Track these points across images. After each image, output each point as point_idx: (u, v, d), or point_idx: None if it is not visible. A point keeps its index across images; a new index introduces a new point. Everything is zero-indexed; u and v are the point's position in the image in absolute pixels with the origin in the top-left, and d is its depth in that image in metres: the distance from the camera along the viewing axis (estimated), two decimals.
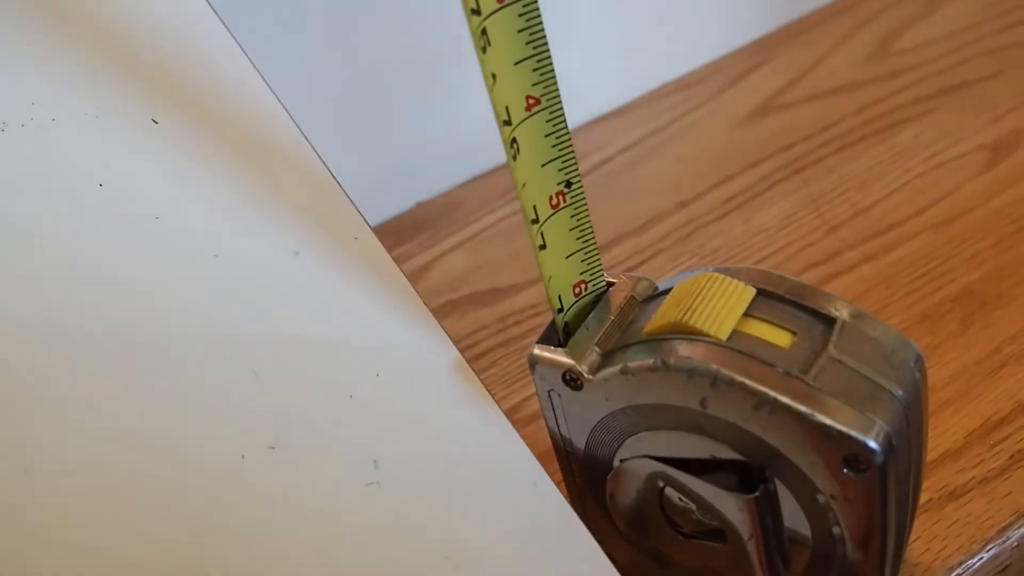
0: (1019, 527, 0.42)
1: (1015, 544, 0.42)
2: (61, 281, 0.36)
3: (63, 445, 0.34)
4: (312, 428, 0.36)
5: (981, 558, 0.42)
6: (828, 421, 0.31)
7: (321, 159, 0.38)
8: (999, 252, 0.54)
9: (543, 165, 0.34)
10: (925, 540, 0.42)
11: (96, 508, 0.34)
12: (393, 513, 0.36)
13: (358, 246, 0.38)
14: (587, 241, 0.36)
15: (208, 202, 0.37)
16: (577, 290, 0.36)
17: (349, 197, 0.38)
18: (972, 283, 0.53)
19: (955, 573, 0.41)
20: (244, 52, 0.39)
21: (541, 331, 0.37)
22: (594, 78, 0.70)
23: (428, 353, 0.37)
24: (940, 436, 0.46)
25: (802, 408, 0.32)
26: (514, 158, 0.33)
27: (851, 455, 0.32)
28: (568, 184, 0.35)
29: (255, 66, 0.39)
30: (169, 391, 0.35)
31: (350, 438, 0.36)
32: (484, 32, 0.30)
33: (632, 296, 0.37)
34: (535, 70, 0.32)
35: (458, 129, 0.67)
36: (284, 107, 0.39)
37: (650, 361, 0.34)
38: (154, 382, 0.35)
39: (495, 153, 0.68)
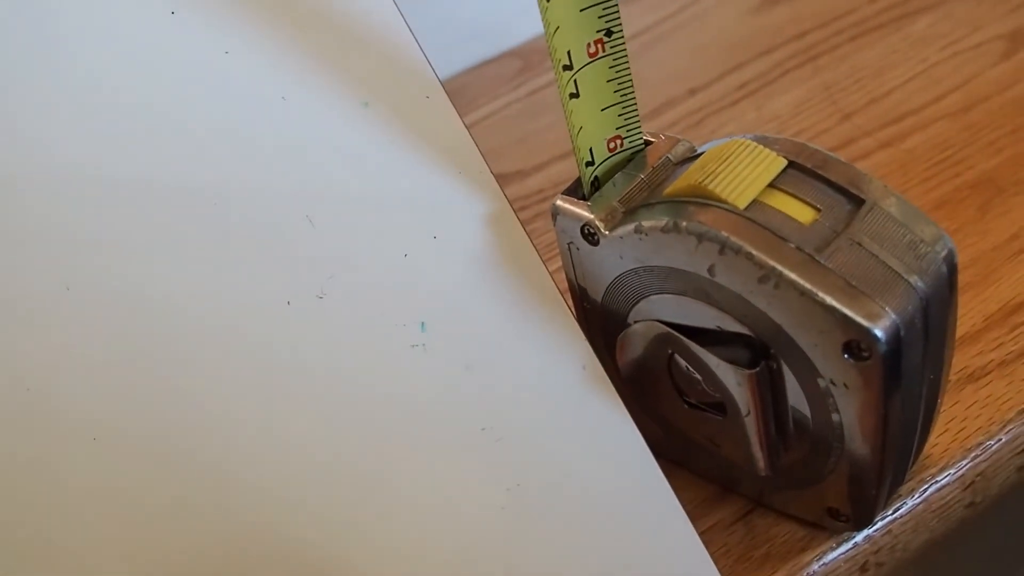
0: None
1: None
2: (117, 118, 0.35)
3: (102, 286, 0.34)
4: (363, 282, 0.35)
5: (1000, 439, 0.41)
6: (831, 302, 0.31)
7: (401, 14, 0.37)
8: (1017, 140, 0.53)
9: (582, 10, 0.32)
10: (944, 421, 0.42)
11: (137, 341, 0.34)
12: (434, 378, 0.35)
13: (429, 105, 0.37)
14: (625, 95, 0.35)
15: (281, 41, 0.36)
16: (612, 145, 0.35)
17: (426, 56, 0.37)
18: (990, 170, 0.52)
19: (974, 454, 0.41)
20: None
21: (547, 217, 0.36)
22: None
23: (490, 224, 0.37)
24: (959, 320, 0.45)
25: (806, 285, 0.31)
26: None
27: (853, 341, 0.31)
28: (609, 33, 0.33)
29: None
30: (220, 230, 0.35)
31: (400, 297, 0.36)
32: None
33: (668, 157, 0.36)
34: None
35: (458, 15, 0.66)
36: None
37: (663, 222, 0.33)
38: (205, 220, 0.35)
39: (496, 40, 0.67)
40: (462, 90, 0.65)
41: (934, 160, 0.53)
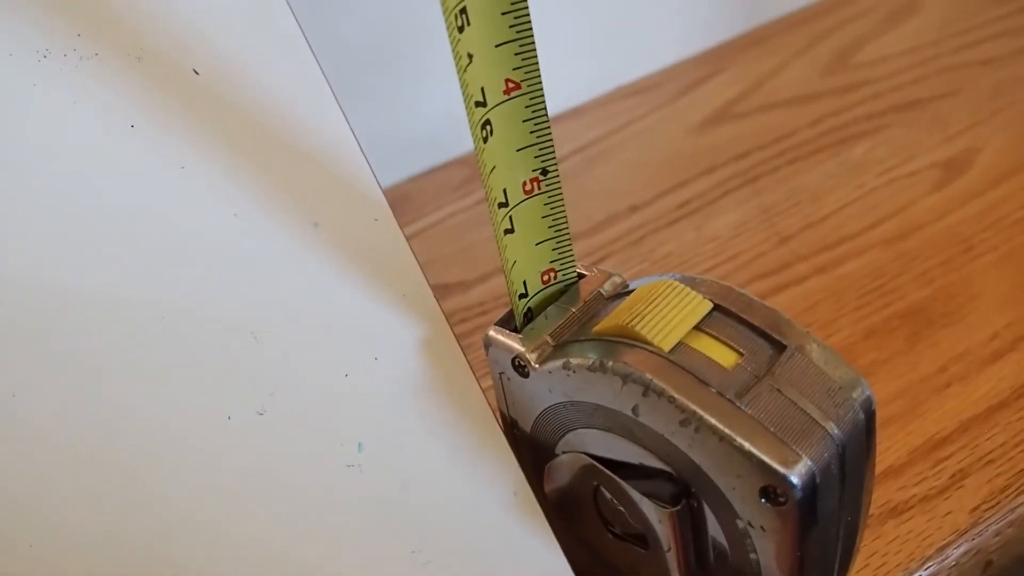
0: (958, 546, 0.42)
1: (953, 563, 0.42)
2: (72, 228, 0.35)
3: (44, 395, 0.33)
4: (303, 401, 0.36)
5: None
6: (749, 447, 0.31)
7: (355, 135, 0.37)
8: (948, 271, 0.55)
9: (518, 150, 0.33)
10: (865, 556, 0.42)
11: (76, 452, 0.33)
12: (368, 498, 0.36)
13: (377, 228, 0.37)
14: (560, 230, 0.35)
15: (237, 158, 0.36)
16: (546, 277, 0.36)
17: (376, 177, 0.38)
18: (920, 301, 0.53)
19: None
20: (292, 11, 0.38)
21: (486, 329, 0.37)
22: (547, 79, 0.69)
23: (431, 348, 0.37)
24: (884, 452, 0.46)
25: (725, 430, 0.31)
26: (484, 140, 0.32)
27: (769, 486, 0.31)
28: (544, 172, 0.34)
29: (301, 28, 0.38)
30: (165, 343, 0.35)
31: (339, 417, 0.36)
32: (464, 11, 0.29)
33: (600, 291, 0.37)
34: (517, 54, 0.31)
35: (408, 123, 0.66)
36: (325, 77, 0.38)
37: (590, 360, 0.33)
38: (151, 333, 0.35)
39: (444, 147, 0.67)
40: (408, 197, 0.65)
41: (867, 288, 0.54)
